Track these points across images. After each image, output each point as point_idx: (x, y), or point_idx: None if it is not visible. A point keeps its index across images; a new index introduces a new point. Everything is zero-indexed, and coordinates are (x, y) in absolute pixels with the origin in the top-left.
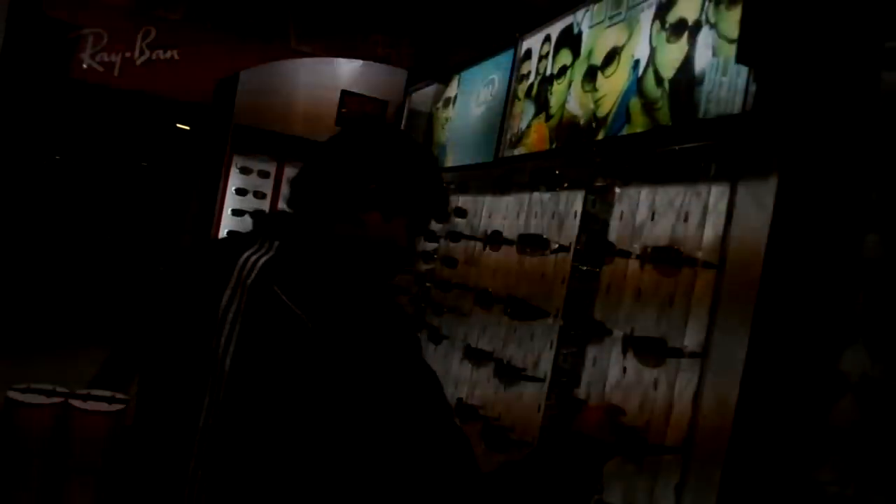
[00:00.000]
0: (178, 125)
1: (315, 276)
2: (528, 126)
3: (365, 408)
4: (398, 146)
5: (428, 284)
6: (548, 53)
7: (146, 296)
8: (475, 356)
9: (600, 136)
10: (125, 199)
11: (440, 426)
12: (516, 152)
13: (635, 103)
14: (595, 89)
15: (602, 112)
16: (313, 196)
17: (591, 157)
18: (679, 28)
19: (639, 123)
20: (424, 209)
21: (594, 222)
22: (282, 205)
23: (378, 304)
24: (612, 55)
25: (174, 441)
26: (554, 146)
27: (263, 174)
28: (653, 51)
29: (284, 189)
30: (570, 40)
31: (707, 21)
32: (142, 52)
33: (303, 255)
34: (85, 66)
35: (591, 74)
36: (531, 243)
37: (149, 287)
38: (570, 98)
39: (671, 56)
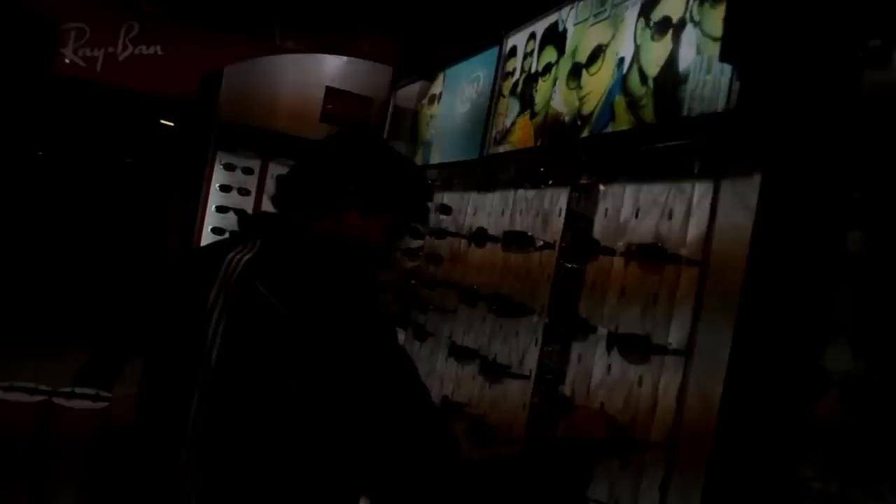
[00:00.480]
0: (162, 121)
1: (293, 270)
2: (513, 123)
3: (340, 391)
4: (379, 151)
5: (413, 281)
6: (533, 51)
7: (132, 295)
8: (460, 353)
9: (585, 134)
10: (109, 195)
11: (415, 408)
12: (501, 149)
13: (620, 101)
14: (580, 87)
15: (587, 110)
16: (296, 195)
17: (576, 154)
18: (663, 26)
19: (623, 121)
20: (403, 210)
21: (579, 219)
22: (266, 201)
23: (352, 295)
24: (597, 53)
25: (167, 433)
26: (539, 143)
27: (247, 171)
28: (637, 49)
29: (269, 185)
30: (555, 38)
31: (691, 19)
32: (125, 48)
33: (283, 252)
34: (67, 61)
35: (575, 72)
36: (516, 240)
37: (134, 285)
38: (555, 95)
39: (655, 54)
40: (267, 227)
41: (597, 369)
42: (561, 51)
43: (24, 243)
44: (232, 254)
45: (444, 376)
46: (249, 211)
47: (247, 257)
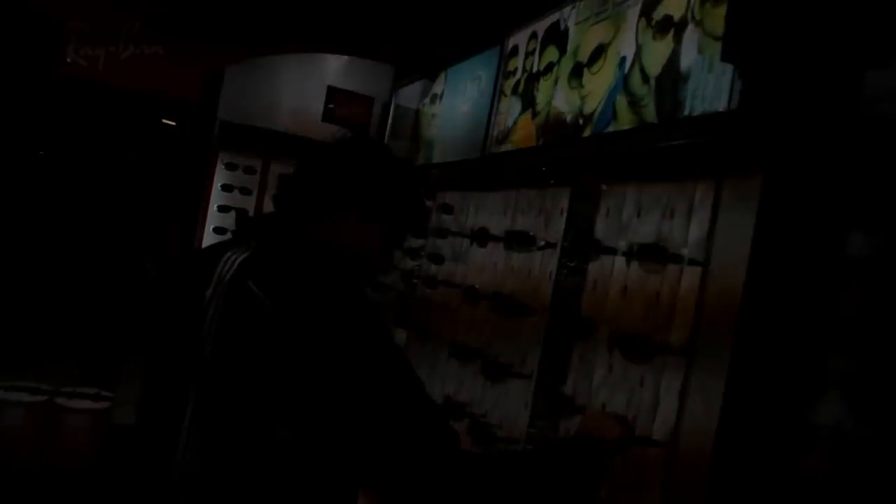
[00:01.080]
0: (164, 121)
1: (285, 270)
2: (515, 123)
3: (328, 385)
4: (380, 156)
5: (414, 281)
6: (534, 50)
7: (133, 293)
8: (462, 353)
9: (587, 133)
10: (110, 194)
11: (408, 399)
12: (503, 149)
13: (621, 100)
14: (581, 86)
15: (588, 109)
16: (296, 198)
17: (578, 154)
18: (665, 25)
19: (625, 120)
20: (401, 218)
21: (580, 219)
22: (267, 201)
23: (342, 292)
24: (599, 52)
25: (165, 430)
26: (540, 143)
27: (249, 170)
28: (639, 48)
29: (270, 185)
30: (557, 37)
31: (693, 18)
32: (126, 47)
33: (276, 253)
34: (69, 60)
35: (577, 71)
36: (518, 240)
37: (135, 284)
38: (557, 95)
39: (657, 53)
40: (264, 229)
41: (598, 369)
42: (562, 50)
43: (26, 242)
44: (228, 254)
45: (445, 376)
46: (251, 210)
47: (241, 257)
